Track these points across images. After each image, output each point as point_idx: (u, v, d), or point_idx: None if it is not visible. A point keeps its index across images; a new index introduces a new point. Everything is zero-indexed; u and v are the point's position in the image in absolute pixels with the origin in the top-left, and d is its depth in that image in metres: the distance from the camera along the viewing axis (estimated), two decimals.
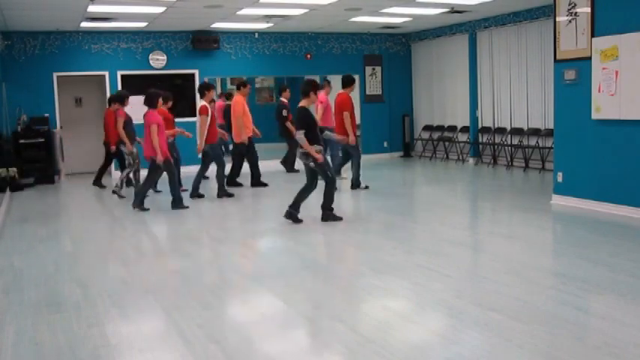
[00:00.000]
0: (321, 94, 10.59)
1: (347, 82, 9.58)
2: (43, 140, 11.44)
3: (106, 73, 12.46)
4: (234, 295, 4.92)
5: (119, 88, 12.39)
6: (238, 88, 10.34)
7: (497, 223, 7.71)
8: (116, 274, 5.51)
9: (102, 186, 10.86)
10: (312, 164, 7.12)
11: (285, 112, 11.83)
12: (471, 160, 13.10)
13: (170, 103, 10.15)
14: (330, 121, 10.31)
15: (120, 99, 9.82)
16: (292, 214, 7.29)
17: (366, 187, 9.70)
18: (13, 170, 10.61)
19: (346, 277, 5.30)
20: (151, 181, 8.63)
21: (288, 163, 12.19)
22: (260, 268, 5.79)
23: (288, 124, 11.69)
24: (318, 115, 10.38)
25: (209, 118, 8.99)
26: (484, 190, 10.15)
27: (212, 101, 9.53)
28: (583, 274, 4.99)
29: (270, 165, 12.21)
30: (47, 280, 5.34)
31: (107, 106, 10.81)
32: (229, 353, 3.64)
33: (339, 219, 7.36)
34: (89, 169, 13.13)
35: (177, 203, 8.49)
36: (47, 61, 12.01)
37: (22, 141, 11.33)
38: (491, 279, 4.96)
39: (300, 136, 6.99)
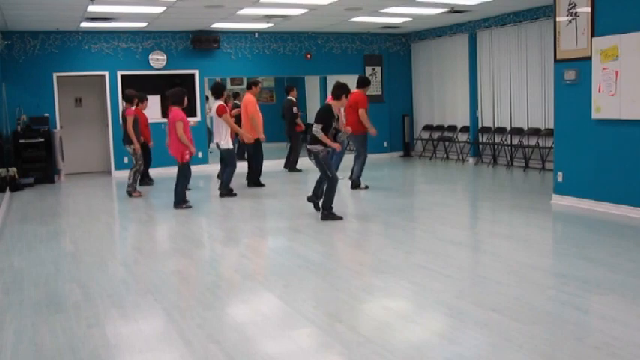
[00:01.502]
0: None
1: (364, 83, 9.66)
2: (43, 140, 11.43)
3: (106, 73, 12.46)
4: (234, 295, 4.92)
5: (119, 88, 12.43)
6: (249, 87, 10.19)
7: (497, 223, 7.70)
8: (116, 274, 5.51)
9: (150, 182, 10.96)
10: (313, 161, 7.19)
11: (295, 110, 11.87)
12: (471, 160, 13.10)
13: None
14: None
15: (128, 98, 9.82)
16: (314, 201, 7.62)
17: (366, 187, 9.70)
18: (13, 170, 10.61)
19: (346, 277, 5.30)
20: (185, 181, 8.63)
21: (291, 163, 12.18)
22: (260, 268, 5.79)
23: (298, 121, 11.73)
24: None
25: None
26: (484, 190, 10.15)
27: (226, 100, 9.57)
28: (583, 274, 4.99)
29: (272, 164, 12.21)
30: (47, 280, 5.34)
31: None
32: (229, 353, 3.64)
33: (339, 218, 7.37)
34: (89, 169, 13.16)
35: (178, 202, 8.49)
36: (47, 61, 12.01)
37: (22, 141, 11.33)
38: (492, 279, 4.96)
39: (316, 129, 7.08)
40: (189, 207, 8.48)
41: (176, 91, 8.49)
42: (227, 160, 9.33)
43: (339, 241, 6.76)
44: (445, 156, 13.87)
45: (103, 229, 7.72)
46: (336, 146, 7.36)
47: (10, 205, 9.33)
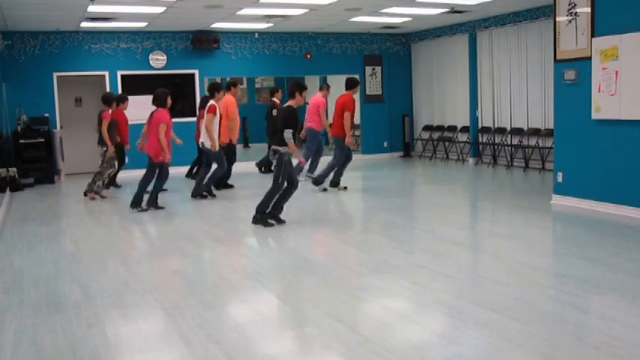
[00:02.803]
0: (319, 96, 10.62)
1: (351, 85, 9.52)
2: (43, 140, 11.44)
3: (106, 73, 12.46)
4: (234, 295, 4.92)
5: (119, 88, 12.43)
6: (228, 88, 10.07)
7: (497, 223, 7.71)
8: (116, 274, 5.51)
9: (117, 186, 10.92)
10: (274, 163, 7.00)
11: (275, 112, 11.81)
12: (471, 160, 13.10)
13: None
14: (321, 124, 10.35)
15: (106, 101, 9.81)
16: (274, 217, 7.20)
17: (325, 190, 9.53)
18: (13, 170, 10.61)
19: (346, 277, 5.30)
20: (148, 180, 8.59)
21: (264, 163, 12.14)
22: (260, 267, 5.79)
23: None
24: (309, 116, 10.46)
25: (217, 118, 9.04)
26: (484, 190, 10.15)
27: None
28: (583, 274, 5.00)
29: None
30: (47, 280, 5.34)
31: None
32: (229, 353, 3.64)
33: (271, 225, 7.14)
34: (89, 170, 13.14)
35: (136, 203, 8.46)
36: (47, 61, 12.01)
37: (22, 141, 11.33)
38: (492, 279, 4.96)
39: (288, 135, 6.87)
40: (144, 210, 8.42)
41: (159, 92, 8.44)
42: (215, 160, 9.28)
43: (339, 241, 6.76)
44: (445, 156, 13.87)
45: (103, 229, 7.72)
46: (302, 161, 6.96)
47: (10, 205, 9.33)
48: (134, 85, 12.30)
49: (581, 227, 6.97)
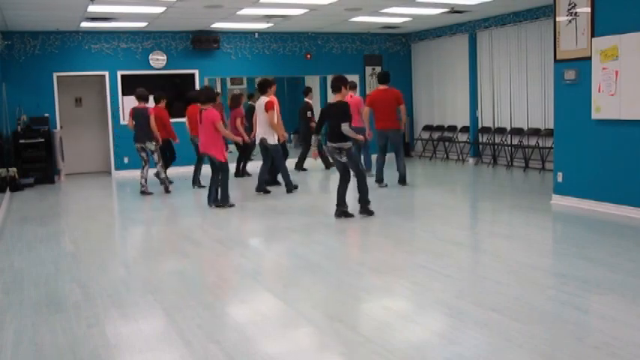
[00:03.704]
0: (353, 95, 10.69)
1: (387, 79, 9.86)
2: (43, 140, 11.44)
3: (106, 73, 12.47)
4: (234, 295, 4.92)
5: (119, 88, 12.45)
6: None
7: (498, 223, 7.71)
8: (116, 274, 5.51)
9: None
10: (344, 159, 7.26)
11: (309, 114, 11.84)
12: (471, 160, 13.10)
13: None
14: (357, 121, 10.42)
15: (142, 97, 9.79)
16: (343, 212, 7.43)
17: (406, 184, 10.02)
18: (13, 170, 10.62)
19: (346, 277, 5.30)
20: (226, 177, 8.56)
21: (298, 162, 12.18)
22: (260, 268, 5.79)
23: (313, 125, 11.67)
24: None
25: (275, 113, 9.10)
26: (484, 190, 10.15)
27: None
28: (583, 274, 5.00)
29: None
30: (47, 280, 5.34)
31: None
32: (229, 353, 3.64)
33: (371, 213, 7.51)
34: (89, 169, 13.17)
35: (224, 200, 8.46)
36: (47, 61, 12.01)
37: (22, 141, 11.33)
38: (492, 279, 4.96)
39: (346, 127, 7.10)
40: (233, 205, 8.44)
41: (206, 90, 8.47)
42: (274, 156, 9.34)
43: (339, 241, 6.76)
44: (445, 156, 13.87)
45: (103, 229, 7.72)
46: (361, 137, 7.61)
47: (10, 205, 9.33)
48: (134, 85, 12.26)
49: (581, 227, 6.97)
